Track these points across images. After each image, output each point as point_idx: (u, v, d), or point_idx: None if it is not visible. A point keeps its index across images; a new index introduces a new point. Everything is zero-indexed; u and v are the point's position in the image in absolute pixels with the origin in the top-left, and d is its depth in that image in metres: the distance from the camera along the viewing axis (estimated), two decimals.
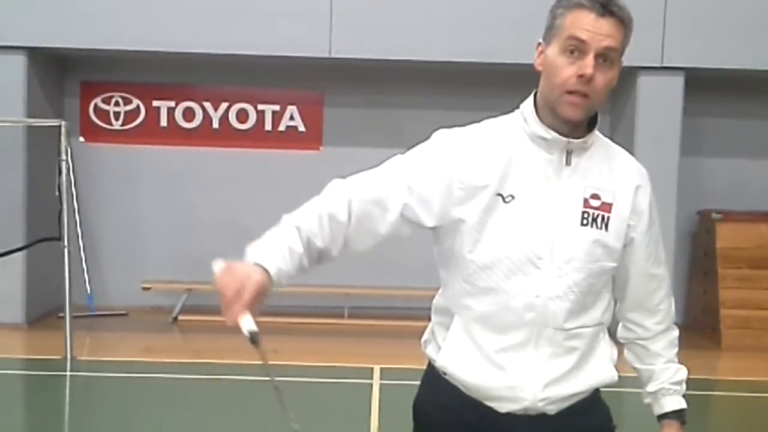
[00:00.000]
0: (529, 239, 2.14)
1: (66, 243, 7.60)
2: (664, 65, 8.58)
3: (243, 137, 9.74)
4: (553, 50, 2.12)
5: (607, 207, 2.20)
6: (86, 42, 8.57)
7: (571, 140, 2.16)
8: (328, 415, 6.16)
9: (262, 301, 1.99)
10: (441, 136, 2.25)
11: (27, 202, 8.69)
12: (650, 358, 2.39)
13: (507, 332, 2.18)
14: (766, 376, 7.85)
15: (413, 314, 8.63)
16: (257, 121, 9.75)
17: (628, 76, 8.64)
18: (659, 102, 8.71)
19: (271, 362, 1.97)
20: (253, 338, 1.92)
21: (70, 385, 7.16)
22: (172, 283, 9.40)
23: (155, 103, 9.73)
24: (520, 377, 2.19)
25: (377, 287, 9.26)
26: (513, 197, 2.15)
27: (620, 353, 2.34)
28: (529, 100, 2.22)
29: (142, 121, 9.75)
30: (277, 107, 9.75)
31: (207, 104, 9.75)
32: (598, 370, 2.26)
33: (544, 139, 2.17)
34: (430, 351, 2.33)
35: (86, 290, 9.35)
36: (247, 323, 1.92)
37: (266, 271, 2.02)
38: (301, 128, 9.76)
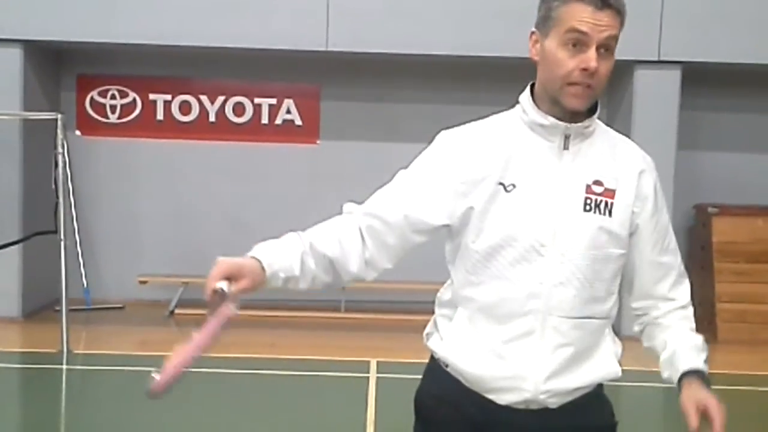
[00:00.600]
0: (531, 226, 2.14)
1: (62, 236, 7.60)
2: (661, 59, 8.59)
3: (240, 131, 9.73)
4: (552, 43, 2.12)
5: (610, 193, 2.20)
6: (83, 35, 8.55)
7: (570, 125, 2.17)
8: (325, 409, 6.17)
9: (251, 285, 2.07)
10: (442, 137, 2.28)
11: (23, 195, 8.68)
12: (663, 331, 2.32)
13: (511, 322, 2.17)
14: (762, 369, 7.87)
15: (410, 308, 8.66)
16: (254, 114, 9.74)
17: (625, 70, 8.65)
18: (656, 96, 8.71)
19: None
20: (216, 291, 1.99)
21: (67, 379, 7.16)
22: (168, 277, 9.40)
23: (152, 97, 9.72)
24: (522, 367, 2.18)
25: (373, 281, 9.24)
26: (514, 186, 2.16)
27: (624, 349, 2.32)
28: (526, 91, 2.23)
29: (139, 115, 9.74)
30: (273, 101, 9.74)
31: (203, 97, 9.73)
32: (602, 365, 2.25)
33: (543, 125, 2.18)
34: (432, 343, 2.33)
35: (83, 284, 9.34)
36: (219, 284, 2.01)
37: (258, 261, 2.10)
38: (298, 122, 9.75)
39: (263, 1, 8.53)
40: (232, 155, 9.67)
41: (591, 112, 2.20)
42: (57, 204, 7.69)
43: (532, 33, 2.19)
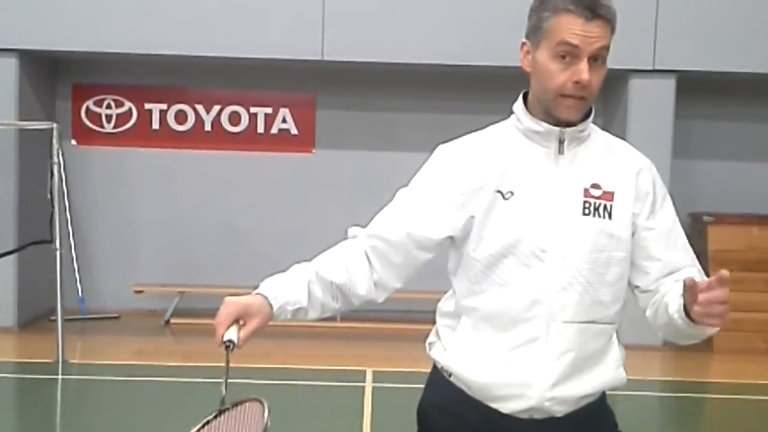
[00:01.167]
0: (531, 233, 2.15)
1: (58, 246, 7.58)
2: (655, 68, 8.60)
3: (235, 140, 9.73)
4: (543, 55, 2.12)
5: (608, 196, 2.19)
6: (78, 44, 8.55)
7: (564, 129, 2.17)
8: (321, 419, 6.16)
9: (260, 325, 2.10)
10: (439, 151, 2.29)
11: (18, 205, 8.67)
12: (664, 294, 2.19)
13: (515, 329, 2.17)
14: (758, 378, 7.86)
15: (406, 317, 8.64)
16: (249, 123, 9.75)
17: (620, 78, 8.67)
18: (651, 105, 8.73)
19: (229, 380, 2.08)
20: (226, 344, 2.05)
21: (62, 389, 7.14)
22: (164, 286, 9.38)
23: (147, 106, 9.72)
24: (527, 374, 2.17)
25: None
26: (512, 193, 2.17)
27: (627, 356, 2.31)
28: (519, 100, 2.24)
29: (134, 124, 9.74)
30: (269, 110, 9.74)
31: (199, 107, 9.73)
32: (608, 372, 2.24)
33: (538, 132, 2.18)
34: (435, 353, 2.33)
35: (78, 293, 9.33)
36: (228, 333, 2.06)
37: (264, 297, 2.11)
38: (294, 131, 9.75)
39: (259, 11, 8.54)
40: (227, 164, 9.67)
41: (585, 116, 2.20)
42: (52, 213, 7.68)
43: (523, 44, 2.19)
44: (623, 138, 2.38)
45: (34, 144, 8.46)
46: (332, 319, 9.08)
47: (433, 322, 2.38)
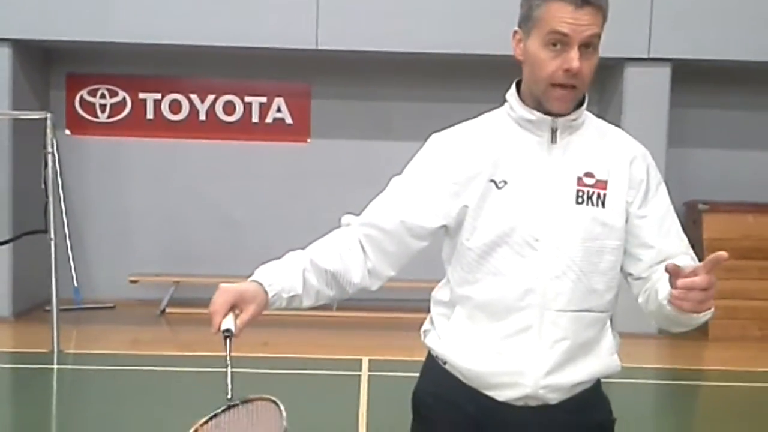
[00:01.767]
0: (524, 222, 2.14)
1: (52, 236, 7.57)
2: (650, 57, 8.60)
3: (230, 129, 9.71)
4: (534, 43, 2.12)
5: (602, 184, 2.19)
6: (72, 34, 8.53)
7: (557, 118, 2.17)
8: (317, 407, 6.16)
9: (257, 312, 2.09)
10: (433, 140, 2.29)
11: (13, 194, 8.66)
12: (655, 281, 2.18)
13: (509, 317, 2.17)
14: (753, 366, 7.89)
15: (401, 306, 8.65)
16: (244, 113, 9.73)
17: (615, 67, 8.66)
18: (646, 93, 8.73)
19: (231, 370, 2.10)
20: (225, 335, 2.03)
21: (58, 378, 7.14)
22: (159, 276, 9.38)
23: (141, 96, 9.70)
24: (521, 362, 2.17)
25: None
26: (506, 182, 2.16)
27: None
28: (512, 88, 2.23)
29: (128, 114, 9.72)
30: (264, 99, 9.73)
31: (194, 96, 9.71)
32: (603, 359, 2.24)
33: (530, 121, 2.18)
34: (430, 341, 2.33)
35: (73, 283, 9.33)
36: (225, 322, 2.03)
37: (259, 284, 2.10)
38: (289, 120, 9.74)
39: (253, 0, 8.52)
40: (222, 154, 9.65)
41: (578, 104, 2.20)
42: (47, 203, 7.66)
43: (515, 32, 2.19)
44: (619, 126, 2.36)
45: (28, 134, 8.44)
46: (328, 308, 9.15)
47: (428, 311, 2.38)
